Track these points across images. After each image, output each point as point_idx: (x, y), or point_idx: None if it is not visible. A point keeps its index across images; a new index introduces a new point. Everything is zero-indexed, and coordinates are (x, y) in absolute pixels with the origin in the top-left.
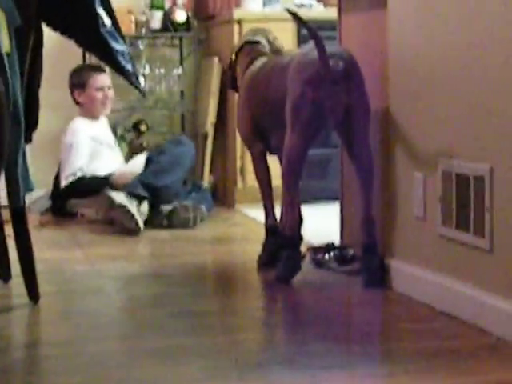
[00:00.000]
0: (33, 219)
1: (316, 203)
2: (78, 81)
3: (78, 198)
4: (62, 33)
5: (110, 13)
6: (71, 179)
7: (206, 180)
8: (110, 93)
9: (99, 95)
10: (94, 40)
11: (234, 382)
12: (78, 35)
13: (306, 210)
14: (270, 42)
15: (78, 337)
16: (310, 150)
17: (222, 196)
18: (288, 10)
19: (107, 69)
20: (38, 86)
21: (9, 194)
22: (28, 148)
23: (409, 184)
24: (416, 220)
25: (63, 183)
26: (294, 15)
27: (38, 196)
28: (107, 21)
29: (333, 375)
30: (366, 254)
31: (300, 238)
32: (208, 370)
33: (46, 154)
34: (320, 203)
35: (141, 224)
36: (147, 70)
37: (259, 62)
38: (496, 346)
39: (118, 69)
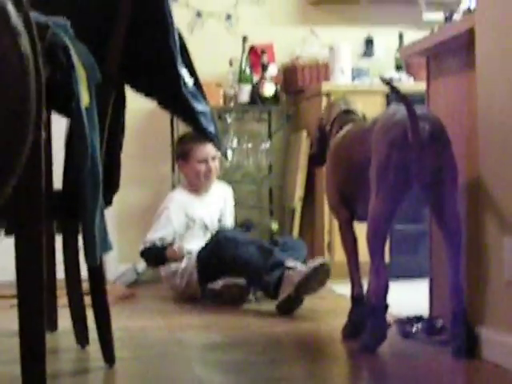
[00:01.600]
0: (117, 290)
1: (406, 280)
2: (182, 151)
3: (149, 265)
4: (143, 93)
5: (192, 72)
6: (147, 245)
7: None
8: (215, 164)
9: (202, 168)
10: (175, 100)
11: None
12: (159, 95)
13: (396, 286)
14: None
15: None
16: (399, 224)
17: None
18: (381, 78)
19: None
20: (120, 147)
21: (85, 252)
22: (115, 222)
23: (499, 249)
24: (507, 285)
25: (140, 247)
26: (387, 82)
27: (124, 269)
28: (189, 80)
29: None
30: (455, 323)
31: (386, 306)
32: None
33: (132, 229)
34: (410, 280)
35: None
36: (235, 144)
37: (345, 129)
38: None
39: (200, 130)
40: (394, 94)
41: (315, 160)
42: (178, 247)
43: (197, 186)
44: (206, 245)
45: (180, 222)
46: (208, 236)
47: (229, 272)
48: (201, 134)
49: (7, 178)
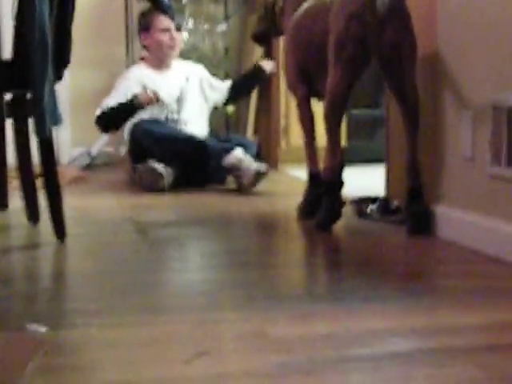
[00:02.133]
0: (70, 172)
1: (363, 165)
2: (144, 23)
3: (108, 129)
4: None
5: None
6: (104, 110)
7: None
8: (178, 35)
9: (164, 37)
10: None
11: (264, 311)
12: None
13: (353, 170)
14: None
15: (102, 270)
16: (356, 108)
17: (266, 156)
18: None
19: None
20: (71, 23)
21: (35, 125)
22: (68, 105)
23: (457, 124)
24: (464, 161)
25: (96, 112)
26: None
27: (77, 153)
28: None
29: (369, 308)
30: (411, 199)
31: (341, 184)
32: (238, 301)
33: (86, 113)
34: (367, 165)
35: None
36: (190, 25)
37: (304, 6)
38: None
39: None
40: None
41: (260, 38)
42: (153, 91)
43: (160, 58)
44: (134, 129)
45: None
46: (165, 112)
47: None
48: (155, 4)
49: None
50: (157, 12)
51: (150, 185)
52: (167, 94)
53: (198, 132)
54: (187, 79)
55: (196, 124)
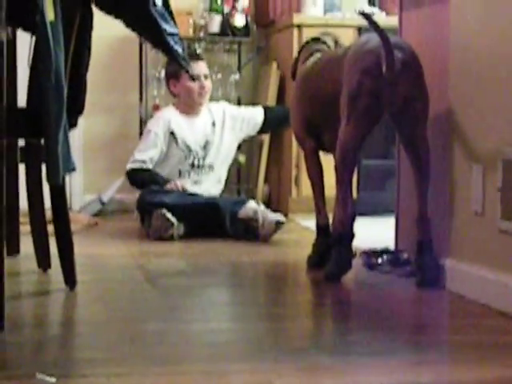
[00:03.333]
0: (81, 219)
1: (373, 216)
2: (172, 70)
3: (135, 187)
4: (110, 13)
5: None
6: (137, 165)
7: (260, 189)
8: (208, 83)
9: (194, 85)
10: (143, 20)
11: (270, 363)
12: (126, 15)
13: (363, 222)
14: (336, 43)
15: (111, 318)
16: (367, 159)
17: (276, 205)
18: (359, 12)
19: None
20: (86, 68)
21: (48, 171)
22: (80, 151)
23: (467, 178)
24: (474, 216)
25: (128, 166)
26: (361, 13)
27: (88, 200)
28: (158, 1)
29: (375, 362)
30: (421, 253)
31: (352, 236)
32: (247, 353)
33: (98, 158)
34: (377, 216)
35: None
36: None
37: (314, 58)
38: None
39: (168, 51)
40: (370, 24)
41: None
42: (181, 185)
43: (189, 105)
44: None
45: (165, 140)
46: (190, 159)
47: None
48: (168, 55)
49: None
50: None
51: (159, 232)
52: (194, 141)
53: (215, 184)
54: (213, 123)
55: (220, 168)
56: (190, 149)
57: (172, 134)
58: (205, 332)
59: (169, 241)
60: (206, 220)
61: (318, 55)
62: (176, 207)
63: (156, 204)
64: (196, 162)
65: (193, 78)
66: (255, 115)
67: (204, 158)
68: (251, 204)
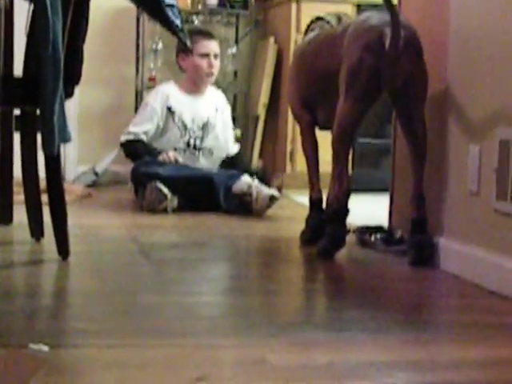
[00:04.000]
0: (75, 190)
1: (368, 193)
2: (183, 44)
3: (130, 158)
4: None
5: None
6: (131, 137)
7: (255, 162)
8: (217, 62)
9: (203, 63)
10: None
11: (263, 338)
12: None
13: (357, 199)
14: (339, 20)
15: (103, 289)
16: (363, 137)
17: (271, 180)
18: None
19: None
20: (83, 39)
21: (43, 141)
22: (75, 123)
23: (463, 157)
24: (469, 195)
25: (122, 138)
26: None
27: (82, 171)
28: None
29: (369, 339)
30: (415, 231)
31: (346, 211)
32: (239, 327)
33: (93, 129)
34: (371, 193)
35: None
36: None
37: (310, 35)
38: None
39: (166, 23)
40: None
41: None
42: (174, 156)
43: (195, 83)
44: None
45: (162, 114)
46: (186, 137)
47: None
48: (167, 27)
49: None
50: (199, 35)
51: (152, 204)
52: (191, 118)
53: (209, 167)
54: (217, 109)
55: (218, 155)
56: (185, 126)
57: (169, 109)
58: (198, 305)
59: (162, 213)
60: (200, 193)
61: (315, 31)
62: (170, 179)
63: (150, 175)
64: (192, 142)
65: (190, 51)
66: (230, 143)
67: (202, 140)
68: (245, 178)
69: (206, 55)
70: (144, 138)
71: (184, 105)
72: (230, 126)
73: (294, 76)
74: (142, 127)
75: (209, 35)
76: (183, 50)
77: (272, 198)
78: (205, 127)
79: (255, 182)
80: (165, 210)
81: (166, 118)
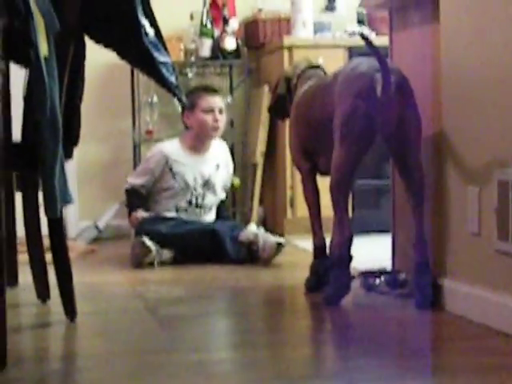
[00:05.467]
0: (78, 247)
1: (369, 235)
2: (188, 101)
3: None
4: (103, 43)
5: (153, 23)
6: (128, 187)
7: (256, 211)
8: (222, 117)
9: (208, 118)
10: (136, 51)
11: None
12: (119, 45)
13: (359, 241)
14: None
15: (112, 351)
16: (362, 179)
17: (272, 227)
18: (360, 34)
19: None
20: (80, 99)
21: (45, 205)
22: (75, 178)
23: (463, 199)
24: (470, 236)
25: (125, 186)
26: (360, 34)
27: (84, 227)
28: (150, 31)
29: None
30: (418, 274)
31: (350, 258)
32: (247, 382)
33: (93, 185)
34: (373, 235)
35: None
36: None
37: (307, 84)
38: None
39: (161, 81)
40: (368, 46)
41: (274, 112)
42: (140, 216)
43: (200, 139)
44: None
45: (162, 174)
46: (188, 195)
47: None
48: (162, 85)
49: None
50: (203, 91)
51: (136, 258)
52: (193, 178)
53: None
54: (218, 166)
55: (214, 207)
56: (188, 186)
57: (170, 169)
58: (205, 362)
59: (149, 268)
60: (205, 245)
61: (309, 82)
62: (171, 235)
63: (152, 232)
64: (194, 200)
65: (189, 108)
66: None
67: (203, 197)
68: (252, 227)
69: (211, 110)
70: (141, 190)
71: (186, 165)
72: (229, 180)
73: (292, 127)
74: (137, 180)
75: (213, 90)
76: (188, 108)
77: (279, 246)
78: (206, 185)
79: (261, 231)
80: (152, 264)
81: (167, 176)
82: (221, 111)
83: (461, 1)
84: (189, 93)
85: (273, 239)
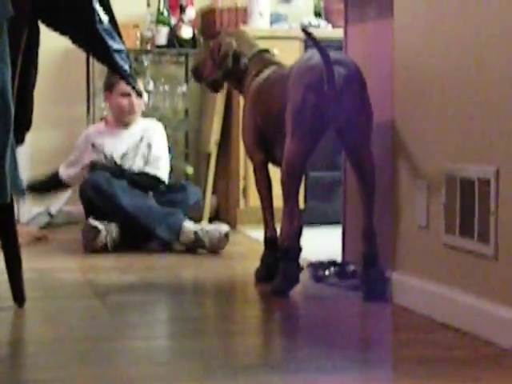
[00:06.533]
0: (30, 232)
1: (320, 226)
2: (108, 82)
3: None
4: (57, 29)
5: (108, 10)
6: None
7: (208, 200)
8: (139, 101)
9: (124, 102)
10: (89, 37)
11: (218, 382)
12: (73, 32)
13: (310, 232)
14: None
15: (59, 337)
16: (314, 171)
17: (224, 216)
18: (301, 27)
19: None
20: (33, 85)
21: None
22: (29, 164)
23: (412, 193)
24: (419, 229)
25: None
26: (303, 28)
27: (37, 212)
28: (104, 17)
29: (325, 379)
30: (367, 266)
31: (299, 250)
32: (196, 371)
33: (45, 171)
34: (324, 226)
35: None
36: (151, 87)
37: (266, 72)
38: (499, 355)
39: (115, 68)
40: (310, 41)
41: (198, 74)
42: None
43: (118, 120)
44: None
45: (89, 155)
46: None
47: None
48: (115, 72)
49: None
50: None
51: (88, 243)
52: (113, 151)
53: None
54: (142, 138)
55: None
56: (106, 156)
57: (93, 145)
58: (154, 350)
59: (103, 253)
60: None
61: (270, 69)
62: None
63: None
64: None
65: (140, 94)
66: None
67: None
68: (187, 226)
69: (128, 94)
70: (67, 180)
71: (106, 140)
72: (157, 155)
73: (249, 113)
74: (67, 171)
75: None
76: (107, 89)
77: (226, 236)
78: (123, 157)
79: (200, 226)
80: (105, 247)
81: (91, 152)
82: (140, 95)
83: None
84: (108, 73)
85: (217, 233)
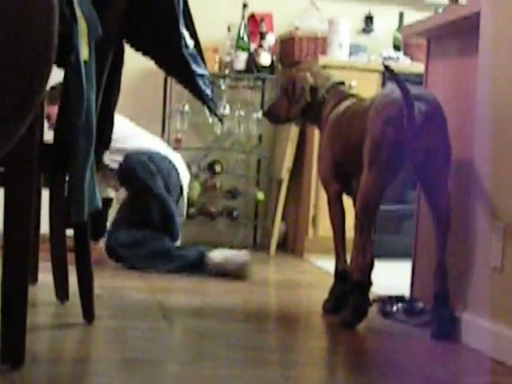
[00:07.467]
0: (100, 248)
1: (389, 259)
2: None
3: None
4: (141, 50)
5: (193, 35)
6: None
7: (277, 227)
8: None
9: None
10: (174, 61)
11: None
12: (158, 54)
13: (378, 265)
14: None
15: (127, 358)
16: (384, 204)
17: (292, 244)
18: (384, 65)
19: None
20: (115, 105)
21: (72, 209)
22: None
23: (487, 234)
24: (493, 271)
25: None
26: (387, 67)
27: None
28: (190, 42)
29: None
30: (437, 304)
31: (370, 284)
32: None
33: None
34: (393, 259)
35: None
36: (227, 111)
37: (345, 104)
38: None
39: (197, 92)
40: (391, 77)
41: (273, 116)
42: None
43: None
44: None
45: None
46: None
47: None
48: (198, 97)
49: (25, 117)
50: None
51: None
52: None
53: None
54: None
55: None
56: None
57: None
58: (217, 377)
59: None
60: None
61: (348, 102)
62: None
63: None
64: None
65: (220, 120)
66: None
67: None
68: (213, 258)
69: None
70: None
71: None
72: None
73: (326, 144)
74: None
75: None
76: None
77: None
78: None
79: (224, 255)
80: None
81: None
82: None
83: (501, 34)
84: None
85: (239, 260)
